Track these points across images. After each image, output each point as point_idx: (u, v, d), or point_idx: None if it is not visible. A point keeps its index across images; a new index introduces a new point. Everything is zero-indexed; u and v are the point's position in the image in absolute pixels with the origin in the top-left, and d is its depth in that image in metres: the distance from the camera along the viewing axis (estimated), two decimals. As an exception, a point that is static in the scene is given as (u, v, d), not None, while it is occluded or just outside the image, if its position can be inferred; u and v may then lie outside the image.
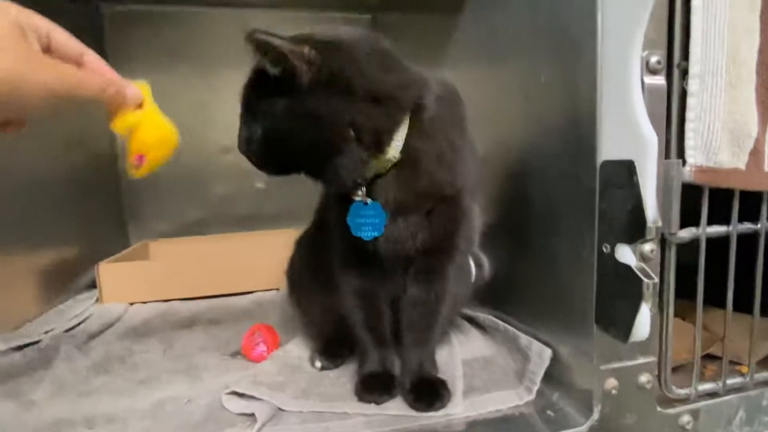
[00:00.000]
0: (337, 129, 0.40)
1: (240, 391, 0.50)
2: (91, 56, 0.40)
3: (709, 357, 0.57)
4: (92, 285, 0.94)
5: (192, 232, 1.23)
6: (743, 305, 0.51)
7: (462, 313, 0.69)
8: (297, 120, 0.40)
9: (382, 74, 0.41)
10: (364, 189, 0.44)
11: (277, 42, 0.37)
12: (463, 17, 0.70)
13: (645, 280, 0.37)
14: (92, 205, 1.06)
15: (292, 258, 0.65)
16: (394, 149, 0.42)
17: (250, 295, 0.94)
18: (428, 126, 0.43)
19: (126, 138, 0.44)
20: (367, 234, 0.45)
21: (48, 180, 0.86)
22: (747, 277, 0.51)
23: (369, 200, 0.45)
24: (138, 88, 0.43)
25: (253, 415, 0.47)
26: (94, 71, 0.40)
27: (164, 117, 0.45)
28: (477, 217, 0.54)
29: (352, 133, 0.40)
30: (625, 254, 0.39)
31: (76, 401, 0.52)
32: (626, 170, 0.38)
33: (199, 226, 1.25)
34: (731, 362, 0.55)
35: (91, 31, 1.12)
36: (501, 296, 0.65)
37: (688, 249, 0.46)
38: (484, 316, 0.66)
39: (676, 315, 0.52)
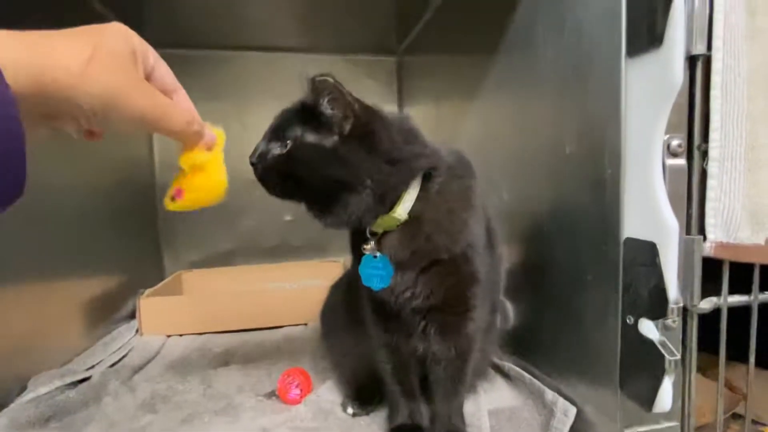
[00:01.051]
0: (359, 175, 0.45)
1: (276, 437, 0.53)
2: (181, 94, 0.44)
3: (733, 416, 0.59)
4: (132, 315, 1.00)
5: (222, 261, 1.29)
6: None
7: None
8: (324, 156, 0.45)
9: (403, 143, 0.47)
10: (373, 243, 0.49)
11: (344, 90, 0.44)
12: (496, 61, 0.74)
13: (668, 357, 0.39)
14: (131, 235, 1.13)
15: (326, 302, 0.69)
16: (403, 210, 0.47)
17: (280, 330, 0.98)
18: (434, 193, 0.48)
19: (181, 172, 0.46)
20: (375, 284, 0.49)
21: (90, 209, 0.90)
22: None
23: (378, 254, 0.49)
24: (214, 133, 0.46)
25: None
26: (182, 106, 0.43)
27: (224, 169, 0.48)
28: (493, 277, 0.58)
29: (369, 182, 0.45)
30: (648, 329, 0.41)
31: (127, 441, 0.56)
32: (648, 250, 0.40)
33: (228, 256, 1.30)
34: (754, 422, 0.56)
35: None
36: (526, 346, 0.67)
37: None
38: (509, 365, 0.68)
39: (699, 371, 0.54)
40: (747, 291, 0.49)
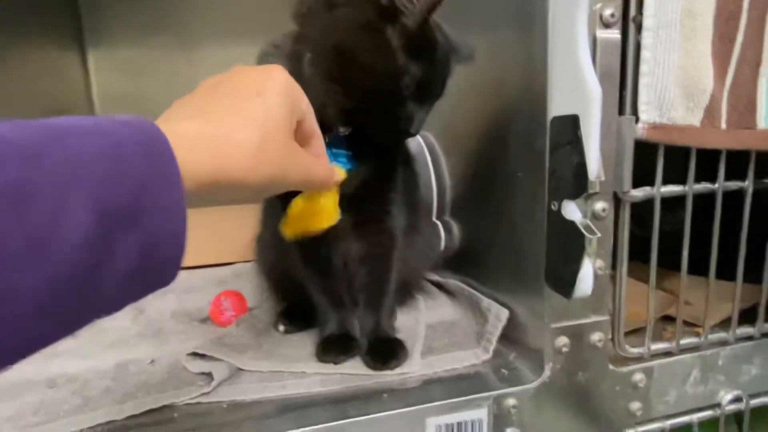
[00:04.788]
0: None
1: (200, 352, 0.51)
2: (318, 139, 0.38)
3: (669, 320, 0.58)
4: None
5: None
6: (704, 269, 0.51)
7: (431, 280, 0.70)
8: None
9: None
10: None
11: None
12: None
13: (587, 235, 0.37)
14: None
15: (259, 224, 0.65)
16: None
17: (230, 266, 0.94)
18: None
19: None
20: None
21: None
22: (707, 240, 0.51)
23: None
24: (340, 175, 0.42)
25: (211, 374, 0.48)
26: (319, 157, 0.38)
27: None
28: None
29: None
30: (570, 210, 0.39)
31: (41, 363, 0.53)
32: (571, 125, 0.37)
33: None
34: (690, 324, 0.55)
35: (67, 5, 1.09)
36: (469, 262, 0.66)
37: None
38: (452, 281, 0.66)
39: (639, 280, 0.53)
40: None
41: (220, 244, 0.95)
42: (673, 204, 0.48)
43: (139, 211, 0.23)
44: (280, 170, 0.31)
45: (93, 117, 0.25)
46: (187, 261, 0.86)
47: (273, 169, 0.30)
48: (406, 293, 0.62)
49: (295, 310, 0.59)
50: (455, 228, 0.69)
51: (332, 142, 0.45)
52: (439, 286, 0.69)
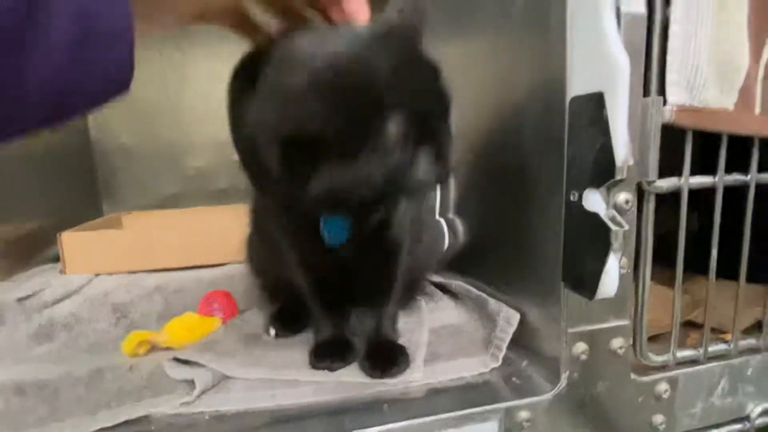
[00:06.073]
0: None
1: (183, 357, 0.46)
2: None
3: (693, 326, 0.54)
4: (58, 258, 0.91)
5: (167, 206, 1.19)
6: (730, 272, 0.47)
7: (434, 281, 0.66)
8: None
9: None
10: None
11: None
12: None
13: (613, 227, 0.33)
14: (61, 175, 1.02)
15: (250, 224, 0.61)
16: None
17: (222, 267, 0.90)
18: None
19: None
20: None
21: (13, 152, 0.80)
22: (735, 241, 0.46)
23: None
24: None
25: (193, 381, 0.43)
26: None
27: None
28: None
29: None
30: (593, 201, 0.35)
31: (10, 368, 0.49)
32: (595, 104, 0.33)
33: (173, 200, 1.20)
34: (715, 330, 0.51)
35: None
36: (475, 262, 0.62)
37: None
38: (456, 283, 0.62)
39: (661, 283, 0.49)
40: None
41: (211, 245, 0.91)
42: (695, 202, 0.44)
43: None
44: None
45: None
46: (177, 262, 0.81)
47: None
48: (408, 296, 0.57)
49: (287, 313, 0.55)
50: (460, 226, 0.65)
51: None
52: (443, 288, 0.65)
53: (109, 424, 0.39)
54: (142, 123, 1.18)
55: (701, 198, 0.44)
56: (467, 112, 0.58)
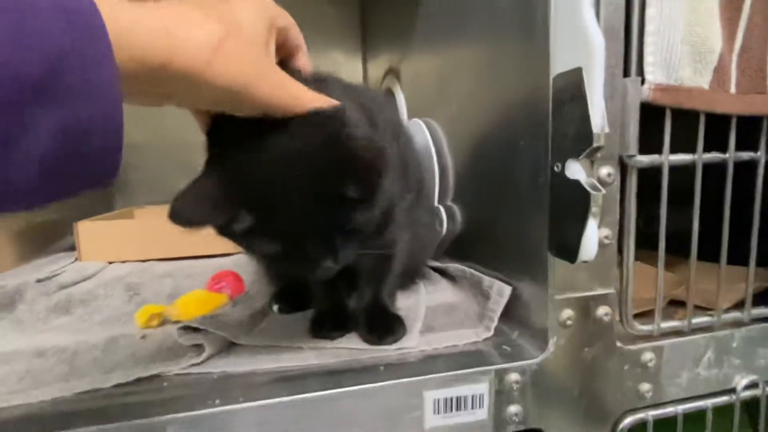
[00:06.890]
0: None
1: (193, 325, 0.49)
2: (303, 54, 0.38)
3: (680, 304, 0.56)
4: (73, 248, 0.94)
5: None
6: (713, 255, 0.49)
7: (433, 266, 0.68)
8: None
9: None
10: None
11: None
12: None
13: (593, 192, 0.35)
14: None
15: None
16: None
17: (230, 257, 0.93)
18: None
19: None
20: None
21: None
22: (715, 225, 0.48)
23: None
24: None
25: (203, 346, 0.46)
26: (303, 68, 0.38)
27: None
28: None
29: None
30: (574, 170, 0.37)
31: (32, 337, 0.52)
32: (575, 78, 0.36)
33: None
34: (702, 308, 0.53)
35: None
36: (471, 246, 0.64)
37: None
38: (453, 266, 0.64)
39: (648, 263, 0.51)
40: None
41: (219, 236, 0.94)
42: (680, 198, 0.46)
43: (58, 87, 0.21)
44: (245, 78, 0.29)
45: None
46: (188, 251, 0.85)
47: (237, 73, 0.28)
48: (407, 280, 0.60)
49: (290, 292, 0.58)
50: (457, 213, 0.68)
51: None
52: (441, 272, 0.68)
53: (123, 381, 0.42)
54: (153, 121, 1.22)
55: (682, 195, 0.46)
56: (462, 107, 0.61)
